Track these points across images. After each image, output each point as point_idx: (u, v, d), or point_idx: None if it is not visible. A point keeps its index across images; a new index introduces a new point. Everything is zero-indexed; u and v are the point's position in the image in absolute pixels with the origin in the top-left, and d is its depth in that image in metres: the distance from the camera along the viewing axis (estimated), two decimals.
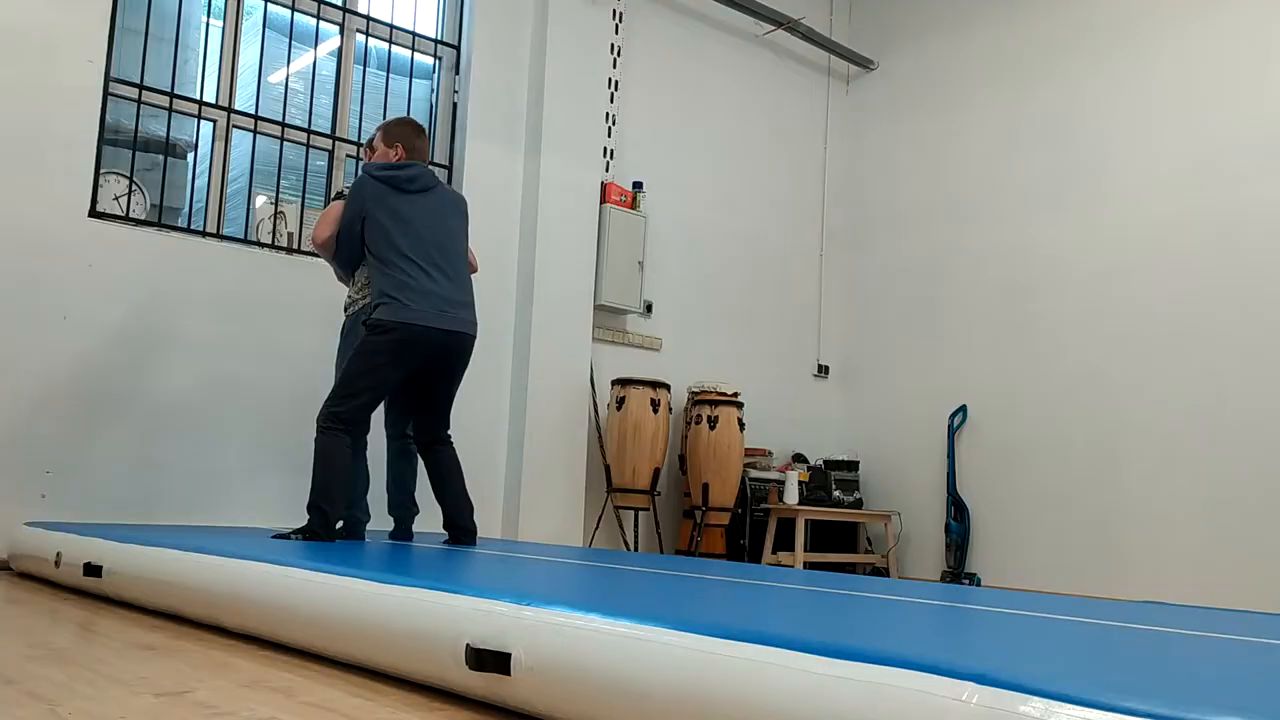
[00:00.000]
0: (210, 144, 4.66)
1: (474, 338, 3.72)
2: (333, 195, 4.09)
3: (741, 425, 5.63)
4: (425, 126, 3.93)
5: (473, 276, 4.00)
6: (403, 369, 3.59)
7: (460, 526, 3.76)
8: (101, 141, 4.28)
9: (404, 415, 3.92)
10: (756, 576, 2.73)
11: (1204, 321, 5.26)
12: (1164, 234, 5.47)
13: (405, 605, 1.97)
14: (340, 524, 3.80)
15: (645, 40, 6.12)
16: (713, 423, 5.55)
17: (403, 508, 3.95)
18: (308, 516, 3.58)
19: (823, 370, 6.91)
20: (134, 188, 4.43)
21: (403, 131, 3.84)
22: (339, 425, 3.53)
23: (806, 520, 5.86)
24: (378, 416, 4.20)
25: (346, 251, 3.74)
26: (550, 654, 1.63)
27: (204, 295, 4.47)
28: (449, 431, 3.83)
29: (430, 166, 3.82)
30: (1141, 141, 5.62)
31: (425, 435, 3.78)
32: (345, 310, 3.99)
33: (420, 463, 4.11)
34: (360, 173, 3.75)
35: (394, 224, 3.62)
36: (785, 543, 5.92)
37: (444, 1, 5.48)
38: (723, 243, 6.42)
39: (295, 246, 4.82)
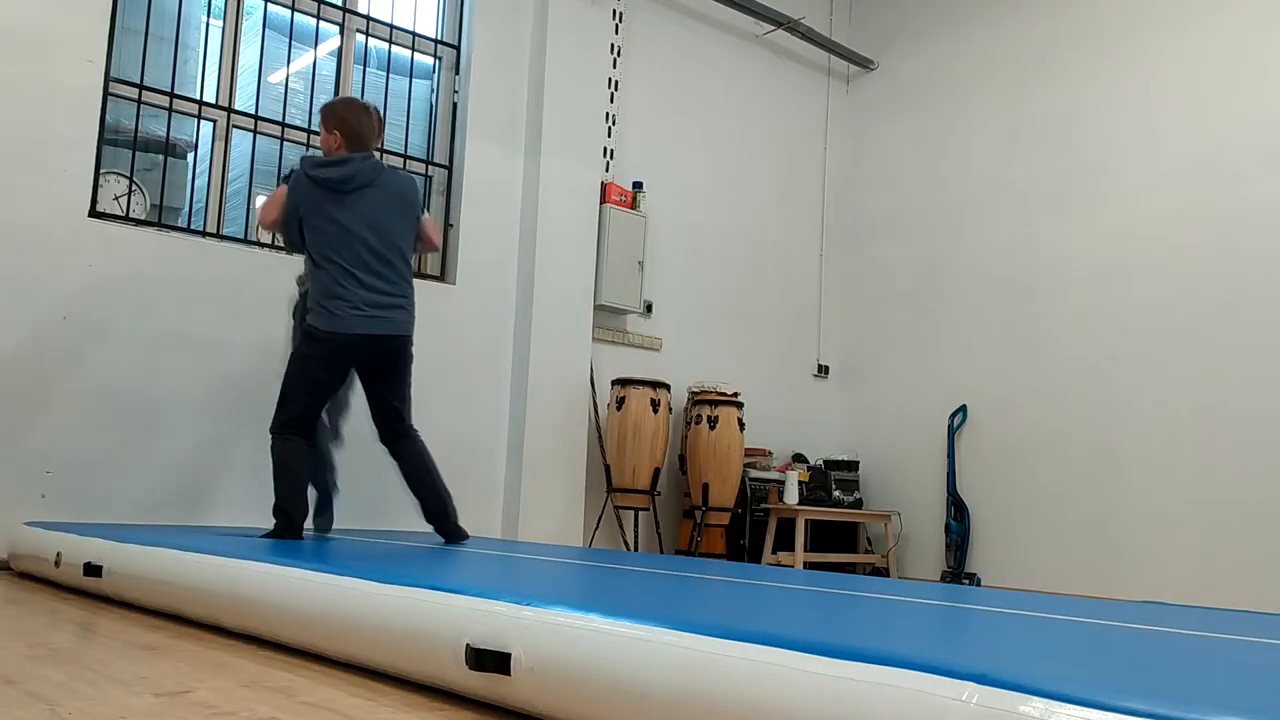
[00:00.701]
0: (210, 144, 4.66)
1: (406, 337, 3.77)
2: (281, 176, 3.99)
3: (741, 425, 5.63)
4: (373, 106, 3.82)
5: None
6: (337, 374, 3.69)
7: (441, 515, 3.81)
8: (101, 141, 4.28)
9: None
10: (756, 576, 2.73)
11: (1204, 321, 5.26)
12: (1164, 234, 5.47)
13: (405, 605, 1.96)
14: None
15: (645, 40, 6.11)
16: (713, 423, 5.54)
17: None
18: (274, 521, 3.67)
19: (823, 370, 6.91)
20: (134, 188, 4.43)
21: (343, 113, 3.72)
22: (289, 431, 3.64)
23: (806, 520, 5.86)
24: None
25: (290, 237, 3.77)
26: (550, 654, 1.63)
27: (204, 295, 4.47)
28: (411, 424, 3.87)
29: (371, 155, 3.74)
30: (1141, 141, 5.62)
31: (386, 432, 3.84)
32: (298, 286, 4.06)
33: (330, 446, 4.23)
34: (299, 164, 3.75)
35: (327, 227, 3.63)
36: (785, 543, 5.92)
37: (444, 1, 5.48)
38: (723, 243, 6.42)
39: None
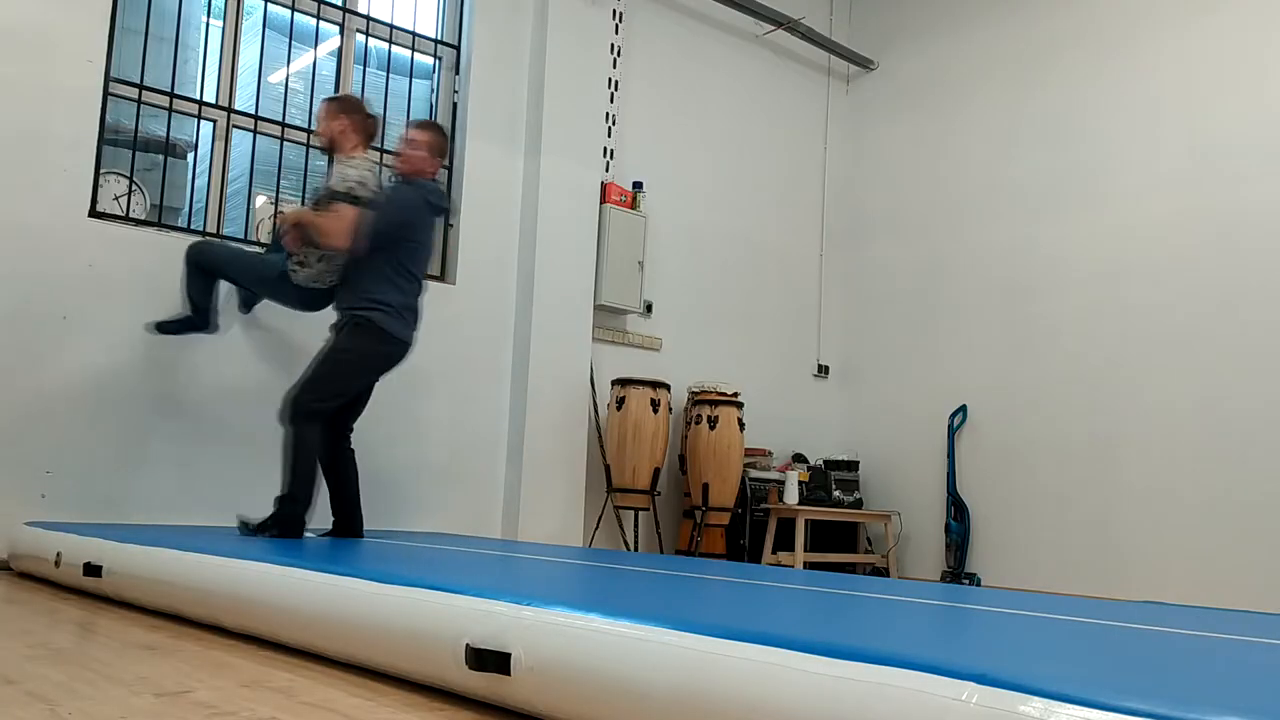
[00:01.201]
0: (210, 144, 4.66)
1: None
2: (340, 195, 3.73)
3: (741, 425, 5.63)
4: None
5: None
6: (379, 374, 3.92)
7: (358, 523, 3.96)
8: (101, 141, 4.28)
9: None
10: (756, 576, 2.73)
11: (1204, 321, 5.26)
12: (1164, 234, 5.47)
13: (405, 605, 1.96)
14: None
15: (645, 40, 6.11)
16: (713, 423, 5.54)
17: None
18: (277, 505, 3.64)
19: (823, 370, 6.91)
20: (134, 188, 4.43)
21: (442, 143, 3.99)
22: (316, 417, 3.69)
23: (806, 520, 5.86)
24: None
25: (361, 252, 3.78)
26: (550, 654, 1.63)
27: None
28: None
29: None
30: (1141, 141, 5.62)
31: (344, 428, 3.95)
32: (293, 268, 3.92)
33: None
34: (397, 178, 3.94)
35: (418, 246, 3.87)
36: (785, 543, 5.92)
37: (444, 1, 5.47)
38: (723, 243, 6.42)
39: None
